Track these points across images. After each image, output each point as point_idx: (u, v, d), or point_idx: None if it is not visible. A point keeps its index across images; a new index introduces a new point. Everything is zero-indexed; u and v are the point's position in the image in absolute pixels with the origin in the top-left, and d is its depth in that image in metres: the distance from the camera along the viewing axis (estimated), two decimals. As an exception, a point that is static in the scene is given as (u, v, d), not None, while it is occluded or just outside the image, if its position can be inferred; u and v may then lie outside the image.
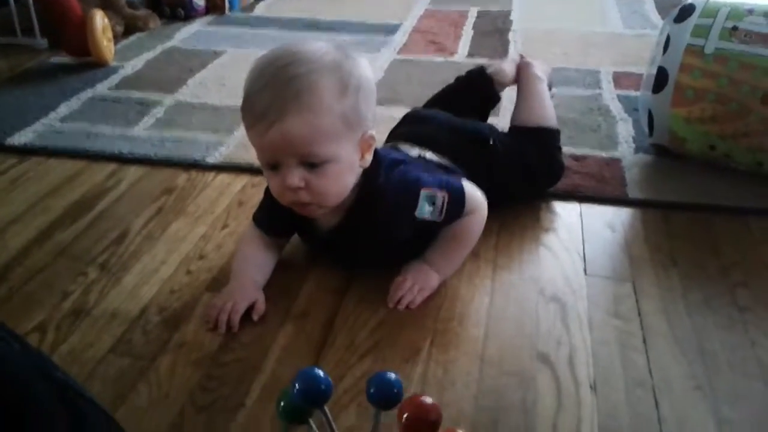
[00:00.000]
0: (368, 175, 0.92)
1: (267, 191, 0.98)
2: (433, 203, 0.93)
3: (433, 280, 0.96)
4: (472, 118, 1.24)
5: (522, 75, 1.30)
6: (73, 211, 1.17)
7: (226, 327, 0.89)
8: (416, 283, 0.95)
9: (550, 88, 1.32)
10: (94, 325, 0.90)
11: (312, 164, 0.85)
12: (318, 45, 0.87)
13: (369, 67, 0.90)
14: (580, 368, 0.84)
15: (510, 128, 1.23)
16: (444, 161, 1.06)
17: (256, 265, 0.98)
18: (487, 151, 1.11)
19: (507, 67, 1.31)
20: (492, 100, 1.31)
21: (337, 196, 0.90)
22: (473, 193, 0.98)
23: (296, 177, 0.85)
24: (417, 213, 0.93)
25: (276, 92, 0.82)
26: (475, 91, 1.30)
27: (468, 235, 0.99)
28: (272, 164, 0.87)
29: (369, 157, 0.91)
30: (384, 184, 0.92)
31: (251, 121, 0.85)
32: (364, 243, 0.96)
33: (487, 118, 1.32)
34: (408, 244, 0.98)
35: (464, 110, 1.23)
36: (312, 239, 1.02)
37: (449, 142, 1.09)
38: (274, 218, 0.99)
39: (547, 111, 1.24)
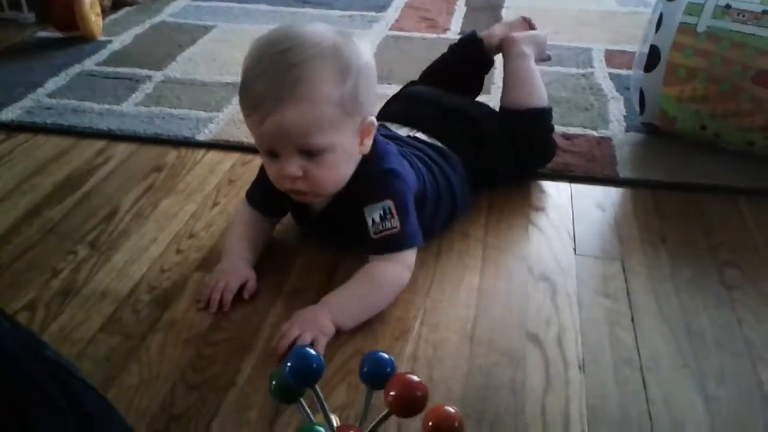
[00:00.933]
0: (365, 163, 0.91)
1: (261, 169, 0.97)
2: (383, 218, 0.90)
3: (327, 326, 0.84)
4: (467, 85, 1.24)
5: (507, 54, 1.24)
6: (61, 189, 1.16)
7: (218, 306, 0.89)
8: (307, 331, 0.82)
9: (548, 58, 1.31)
10: (84, 303, 0.90)
11: (310, 153, 0.84)
12: (317, 29, 0.85)
13: (370, 50, 0.88)
14: (568, 347, 0.85)
15: (500, 109, 1.21)
16: (433, 141, 1.05)
17: (248, 243, 0.98)
18: (478, 132, 1.10)
19: (497, 28, 1.29)
20: (485, 64, 1.28)
21: (335, 184, 0.89)
22: (412, 257, 0.92)
23: (294, 166, 0.84)
24: (366, 209, 0.90)
25: (273, 80, 0.81)
26: (467, 56, 1.27)
27: (379, 283, 0.89)
28: (270, 152, 0.86)
29: (369, 143, 0.90)
30: (368, 173, 0.91)
31: (248, 109, 0.84)
32: (350, 224, 0.95)
33: (482, 84, 1.30)
34: None
35: (458, 78, 1.22)
36: (303, 220, 1.02)
37: (438, 123, 1.08)
38: (268, 197, 0.98)
39: (536, 91, 1.19)
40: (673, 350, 0.84)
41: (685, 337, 0.86)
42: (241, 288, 0.92)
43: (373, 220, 0.90)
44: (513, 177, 1.17)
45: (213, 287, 0.90)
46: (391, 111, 1.16)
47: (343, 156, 0.87)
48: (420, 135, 1.05)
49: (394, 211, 0.89)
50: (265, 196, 0.99)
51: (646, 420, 0.75)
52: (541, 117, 1.18)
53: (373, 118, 0.89)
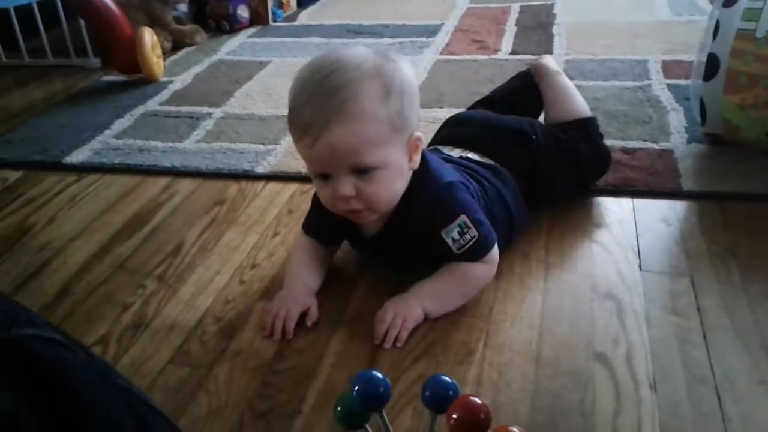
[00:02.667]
0: (416, 180, 0.92)
1: (314, 199, 0.99)
2: (461, 234, 0.91)
3: (417, 311, 0.90)
4: (527, 114, 1.23)
5: (539, 74, 1.26)
6: (130, 226, 1.20)
7: (281, 334, 0.91)
8: (398, 315, 0.89)
9: None
10: (153, 336, 0.93)
11: (362, 171, 0.85)
12: (358, 51, 0.87)
13: (411, 68, 0.90)
14: (638, 367, 0.82)
15: (548, 126, 1.20)
16: (485, 160, 1.05)
17: (309, 271, 0.99)
18: (530, 147, 1.10)
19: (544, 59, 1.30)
20: (537, 97, 1.27)
21: (388, 202, 0.90)
22: (496, 252, 0.95)
23: (347, 186, 0.86)
24: (443, 232, 0.91)
25: (319, 104, 0.83)
26: (518, 87, 1.30)
27: (470, 282, 0.94)
28: (322, 174, 0.88)
29: (417, 159, 0.91)
30: (428, 192, 0.92)
31: (298, 134, 0.86)
32: (405, 248, 0.96)
33: (539, 113, 1.29)
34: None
35: (520, 107, 1.23)
36: (359, 244, 1.03)
37: (490, 141, 1.08)
38: (322, 226, 1.00)
39: (577, 102, 1.21)
40: (748, 367, 0.81)
41: (761, 352, 0.83)
42: (304, 315, 0.93)
43: (453, 239, 0.91)
44: (573, 191, 1.16)
45: (275, 315, 0.92)
46: (441, 135, 1.16)
47: (395, 172, 0.88)
48: (471, 155, 1.05)
49: (469, 223, 0.91)
50: (320, 227, 1.01)
51: (724, 441, 0.72)
52: (587, 125, 1.17)
53: (420, 134, 0.90)
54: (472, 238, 0.91)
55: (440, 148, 1.09)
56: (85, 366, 0.50)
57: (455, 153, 1.06)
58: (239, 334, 0.92)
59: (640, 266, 1.00)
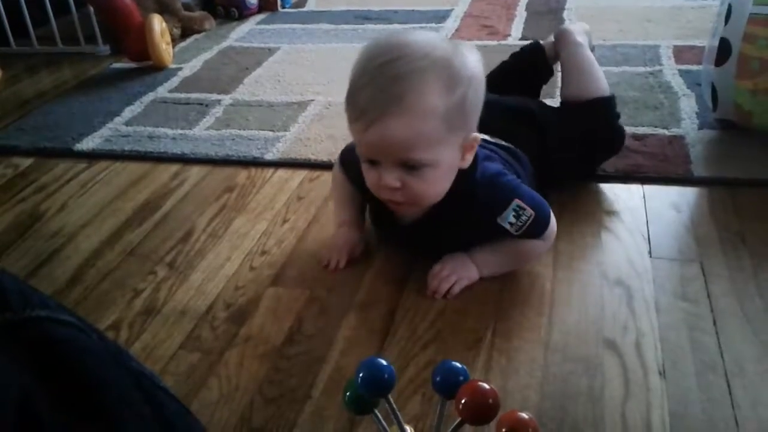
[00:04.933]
0: (465, 175, 0.91)
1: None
2: (517, 216, 0.91)
3: (473, 272, 0.95)
4: (525, 92, 1.23)
5: (561, 45, 1.23)
6: (140, 213, 1.21)
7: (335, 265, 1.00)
8: (454, 273, 0.94)
9: (592, 50, 1.27)
10: (164, 322, 0.94)
11: (411, 166, 0.84)
12: (426, 37, 0.84)
13: (479, 61, 0.86)
14: (647, 353, 0.82)
15: (561, 104, 1.20)
16: (502, 143, 1.05)
17: (350, 201, 1.06)
18: (537, 124, 1.09)
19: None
20: (545, 73, 1.29)
21: (432, 199, 0.90)
22: (554, 223, 0.95)
23: (393, 178, 0.85)
24: (499, 219, 0.91)
25: (379, 90, 0.80)
26: (528, 62, 1.28)
27: (527, 256, 0.97)
28: (371, 159, 0.87)
29: (470, 158, 0.89)
30: (478, 183, 0.91)
31: (353, 115, 0.84)
32: (446, 237, 0.96)
33: (539, 93, 1.29)
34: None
35: (517, 84, 1.22)
36: (390, 228, 1.03)
37: (500, 123, 1.07)
38: (360, 179, 0.95)
39: (597, 79, 1.18)
40: (759, 353, 0.81)
41: (771, 339, 0.82)
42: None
43: (510, 223, 0.91)
44: (581, 171, 1.16)
45: (331, 251, 1.02)
46: None
47: (445, 171, 0.87)
48: (488, 137, 1.04)
49: (523, 204, 0.91)
50: (358, 176, 0.96)
51: (732, 426, 0.72)
52: (606, 106, 1.16)
53: (479, 135, 0.88)
54: (529, 217, 0.91)
55: None
56: (99, 348, 0.51)
57: None
58: (249, 320, 0.93)
59: (650, 253, 1.00)
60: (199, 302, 0.97)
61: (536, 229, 0.93)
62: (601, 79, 1.18)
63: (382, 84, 0.80)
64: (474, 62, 0.85)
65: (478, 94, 0.85)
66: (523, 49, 1.31)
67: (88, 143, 1.46)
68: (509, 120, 1.09)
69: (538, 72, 1.28)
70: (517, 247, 0.95)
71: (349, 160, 1.01)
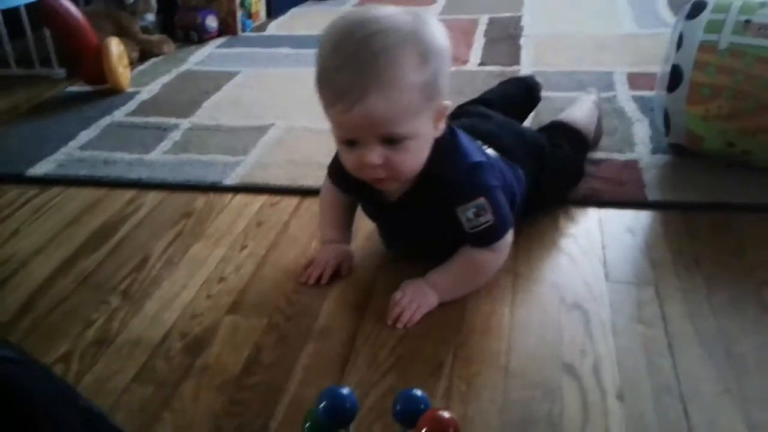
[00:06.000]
0: (444, 153, 0.91)
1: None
2: (476, 215, 0.91)
3: (432, 298, 0.95)
4: (513, 115, 1.29)
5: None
6: (94, 239, 1.18)
7: (317, 280, 1.01)
8: (414, 300, 0.94)
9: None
10: (117, 353, 0.91)
11: (392, 141, 0.84)
12: (393, 12, 0.84)
13: (444, 32, 0.87)
14: (605, 377, 0.83)
15: (552, 121, 1.27)
16: (506, 160, 1.07)
17: (340, 221, 1.07)
18: (542, 162, 1.13)
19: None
20: (533, 103, 1.40)
21: (413, 170, 0.90)
22: (509, 239, 0.96)
23: (376, 155, 0.85)
24: (459, 209, 0.92)
25: (357, 69, 0.80)
26: (520, 92, 1.38)
27: (480, 270, 0.97)
28: (349, 140, 0.86)
29: (441, 126, 0.90)
30: (457, 166, 0.92)
31: (331, 98, 0.84)
32: (423, 218, 0.95)
33: (524, 119, 1.39)
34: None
35: (507, 108, 1.28)
36: (375, 208, 1.03)
37: (510, 145, 1.10)
38: (347, 178, 0.96)
39: (588, 119, 1.30)
40: (713, 376, 0.82)
41: (725, 361, 0.84)
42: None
43: (468, 218, 0.92)
44: (552, 200, 1.19)
45: (315, 264, 1.02)
46: (464, 124, 1.17)
47: (423, 141, 0.88)
48: (490, 150, 1.05)
49: (487, 207, 0.91)
50: (343, 178, 0.98)
51: (689, 450, 0.73)
52: (583, 141, 1.25)
53: (448, 102, 0.89)
54: (486, 222, 0.92)
55: None
56: (45, 386, 0.49)
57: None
58: (206, 350, 0.91)
59: (606, 276, 1.01)
60: (153, 332, 0.95)
61: (489, 237, 0.94)
62: (592, 125, 1.29)
63: (360, 62, 0.80)
64: (440, 31, 0.86)
65: (447, 64, 0.87)
66: (523, 77, 1.44)
67: (41, 168, 1.43)
68: (520, 147, 1.11)
69: (529, 101, 1.39)
70: (470, 261, 0.96)
71: (335, 167, 1.01)
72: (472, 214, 0.91)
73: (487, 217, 0.92)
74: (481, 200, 0.91)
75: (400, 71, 0.81)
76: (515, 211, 1.03)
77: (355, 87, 0.80)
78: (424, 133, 0.87)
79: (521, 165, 1.08)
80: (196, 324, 0.96)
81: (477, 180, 0.92)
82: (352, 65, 0.80)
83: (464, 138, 0.96)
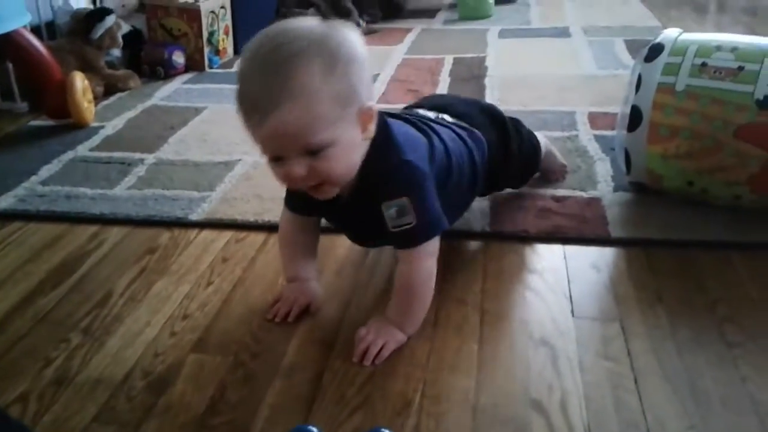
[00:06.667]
0: (377, 150, 0.91)
1: None
2: (399, 214, 0.91)
3: (398, 335, 0.95)
4: None
5: None
6: (54, 276, 1.15)
7: (284, 318, 1.00)
8: (380, 336, 0.93)
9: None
10: (77, 392, 0.89)
11: (313, 151, 0.84)
12: (303, 23, 0.85)
13: (358, 37, 0.88)
14: (573, 413, 0.83)
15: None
16: (462, 123, 1.10)
17: (304, 256, 1.06)
18: (505, 130, 1.18)
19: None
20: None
21: (345, 175, 0.90)
22: (434, 245, 0.95)
23: (299, 167, 0.85)
24: (384, 205, 0.91)
25: (266, 81, 0.81)
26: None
27: (417, 287, 0.96)
28: (275, 157, 0.87)
29: (372, 128, 0.90)
30: (384, 163, 0.92)
31: (246, 113, 0.84)
32: (373, 211, 0.94)
33: None
34: None
35: None
36: (332, 211, 1.02)
37: (465, 110, 1.14)
38: (297, 197, 0.98)
39: (545, 143, 1.37)
40: (679, 412, 0.83)
41: (690, 397, 0.85)
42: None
43: (390, 216, 0.92)
44: (519, 180, 1.30)
45: (282, 301, 1.02)
46: (420, 102, 1.22)
47: (347, 147, 0.87)
48: (448, 117, 1.08)
49: (410, 208, 0.91)
50: (294, 197, 1.00)
51: (657, 486, 0.73)
52: (536, 144, 1.32)
53: (373, 104, 0.89)
54: (408, 224, 0.91)
55: (415, 110, 1.13)
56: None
57: (431, 114, 1.10)
58: (169, 389, 0.89)
59: (572, 312, 1.02)
60: (115, 371, 0.92)
61: (409, 239, 0.93)
62: (544, 147, 1.36)
63: (266, 74, 0.81)
64: (353, 39, 0.87)
65: (362, 68, 0.87)
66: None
67: (0, 203, 1.39)
68: (478, 114, 1.16)
69: None
70: (405, 284, 0.95)
71: (288, 194, 1.04)
72: (394, 212, 0.91)
73: (410, 219, 0.91)
74: (404, 200, 0.91)
75: (308, 80, 0.81)
76: (479, 174, 1.11)
77: (264, 98, 0.81)
78: (346, 139, 0.86)
79: (481, 131, 1.12)
80: (160, 362, 0.94)
81: (403, 178, 0.92)
82: (261, 77, 0.82)
83: (400, 133, 0.96)
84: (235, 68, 2.35)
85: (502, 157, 1.16)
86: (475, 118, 1.14)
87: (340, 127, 0.85)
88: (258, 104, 0.82)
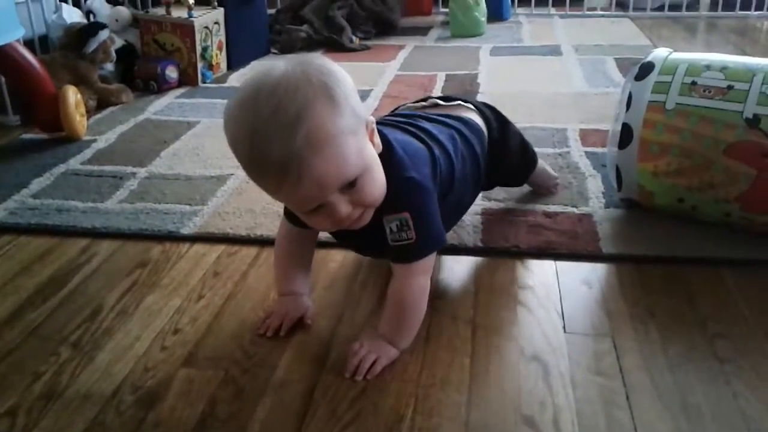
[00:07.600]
0: (382, 160, 0.92)
1: None
2: (399, 229, 0.92)
3: (390, 350, 0.95)
4: None
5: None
6: (45, 289, 1.15)
7: (276, 332, 1.00)
8: (372, 351, 0.93)
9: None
10: (66, 407, 0.88)
11: (352, 184, 0.85)
12: (280, 69, 0.82)
13: (326, 59, 0.87)
14: (565, 429, 0.83)
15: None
16: (457, 114, 1.14)
17: (299, 269, 1.06)
18: (501, 120, 1.23)
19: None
20: None
21: (381, 193, 0.91)
22: (429, 263, 0.96)
23: (343, 205, 0.86)
24: (386, 218, 0.92)
25: (286, 142, 0.79)
26: None
27: (411, 301, 0.96)
28: (313, 209, 0.86)
29: (377, 140, 0.91)
30: (393, 177, 0.92)
31: (274, 180, 0.83)
32: (372, 228, 0.94)
33: None
34: None
35: None
36: (348, 239, 1.04)
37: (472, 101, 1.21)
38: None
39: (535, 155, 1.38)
40: (670, 427, 0.83)
41: (681, 413, 0.85)
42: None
43: (391, 230, 0.93)
44: (519, 176, 1.35)
45: (275, 315, 1.02)
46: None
47: (374, 166, 0.88)
48: (439, 101, 1.12)
49: (410, 223, 0.92)
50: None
51: (649, 502, 0.73)
52: (532, 152, 1.35)
53: (370, 117, 0.90)
54: (408, 239, 0.92)
55: (400, 110, 1.19)
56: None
57: (418, 104, 1.17)
58: (159, 404, 0.88)
59: (564, 328, 1.02)
60: (104, 385, 0.92)
61: (407, 255, 0.94)
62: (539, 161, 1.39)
63: (284, 136, 0.79)
64: (326, 62, 0.86)
65: (352, 90, 0.86)
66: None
67: (-10, 216, 1.39)
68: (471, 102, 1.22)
69: None
70: (398, 299, 0.95)
71: (287, 209, 1.02)
72: (395, 226, 0.92)
73: (410, 235, 0.92)
74: (406, 215, 0.92)
75: (324, 124, 0.80)
76: (482, 167, 1.15)
77: (294, 159, 0.80)
78: (368, 159, 0.87)
79: (478, 109, 1.19)
80: (150, 377, 0.93)
81: (406, 195, 0.93)
82: (279, 140, 0.79)
83: (398, 148, 0.96)
84: (229, 83, 2.36)
85: (500, 135, 1.20)
86: (480, 107, 1.20)
87: (362, 152, 0.86)
88: (288, 168, 0.80)
